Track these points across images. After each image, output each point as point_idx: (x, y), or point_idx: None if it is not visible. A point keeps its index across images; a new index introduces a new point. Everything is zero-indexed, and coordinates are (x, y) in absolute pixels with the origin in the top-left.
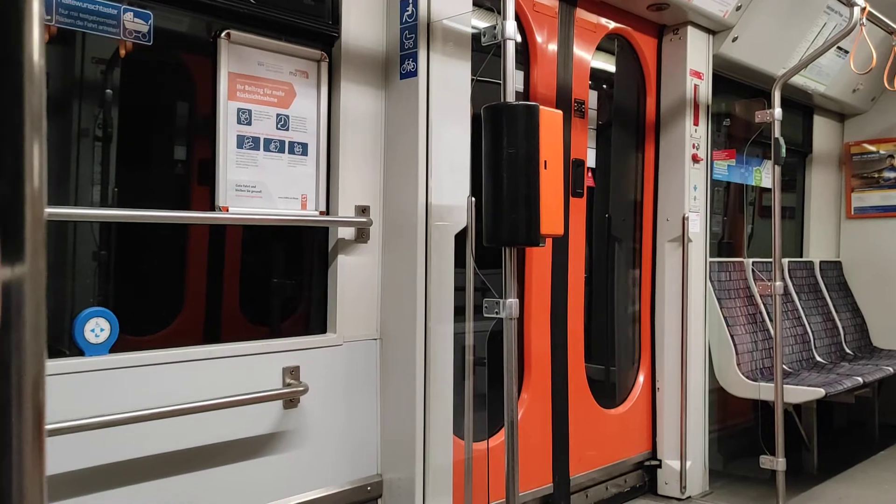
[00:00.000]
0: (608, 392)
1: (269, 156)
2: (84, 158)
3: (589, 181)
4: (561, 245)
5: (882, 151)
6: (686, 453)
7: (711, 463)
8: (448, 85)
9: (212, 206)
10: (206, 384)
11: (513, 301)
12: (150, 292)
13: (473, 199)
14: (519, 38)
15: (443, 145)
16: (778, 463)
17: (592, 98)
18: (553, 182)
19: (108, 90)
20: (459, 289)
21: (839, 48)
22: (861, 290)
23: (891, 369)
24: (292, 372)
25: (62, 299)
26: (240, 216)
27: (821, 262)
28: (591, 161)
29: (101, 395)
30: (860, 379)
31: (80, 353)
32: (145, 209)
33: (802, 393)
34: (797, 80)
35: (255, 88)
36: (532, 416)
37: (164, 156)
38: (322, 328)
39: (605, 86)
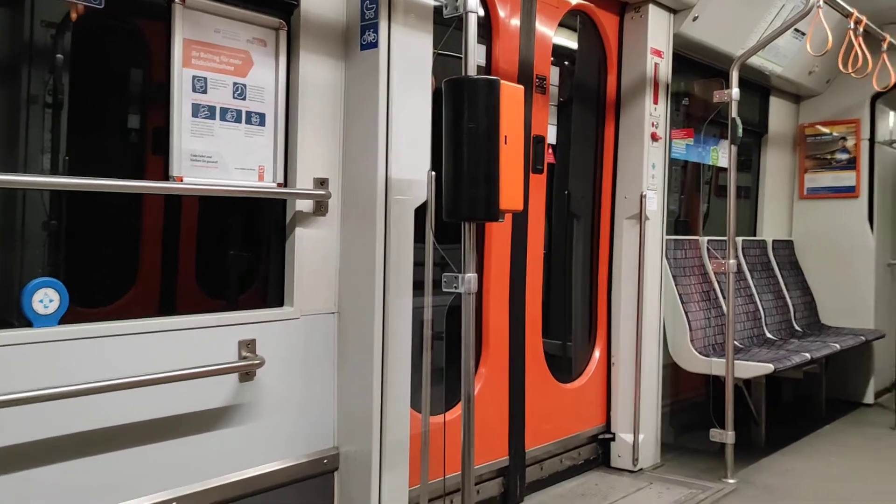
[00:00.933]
0: (564, 367)
1: (225, 125)
2: (33, 125)
3: (549, 158)
4: (520, 221)
5: (835, 133)
6: (639, 427)
7: (663, 436)
8: (409, 57)
9: (166, 176)
10: (160, 357)
11: (471, 276)
12: (102, 263)
13: (434, 173)
14: (481, 12)
15: (403, 119)
16: (727, 436)
17: (554, 74)
18: (513, 157)
19: (59, 55)
20: (418, 263)
21: (796, 30)
22: (811, 269)
23: (838, 346)
24: (248, 345)
25: (10, 269)
26: (195, 186)
27: (773, 241)
28: (551, 137)
29: (49, 367)
30: (808, 355)
31: (29, 325)
32: (97, 178)
33: (753, 368)
34: (755, 60)
35: (211, 56)
36: (489, 390)
37: (116, 123)
38: (279, 301)
39: (566, 62)
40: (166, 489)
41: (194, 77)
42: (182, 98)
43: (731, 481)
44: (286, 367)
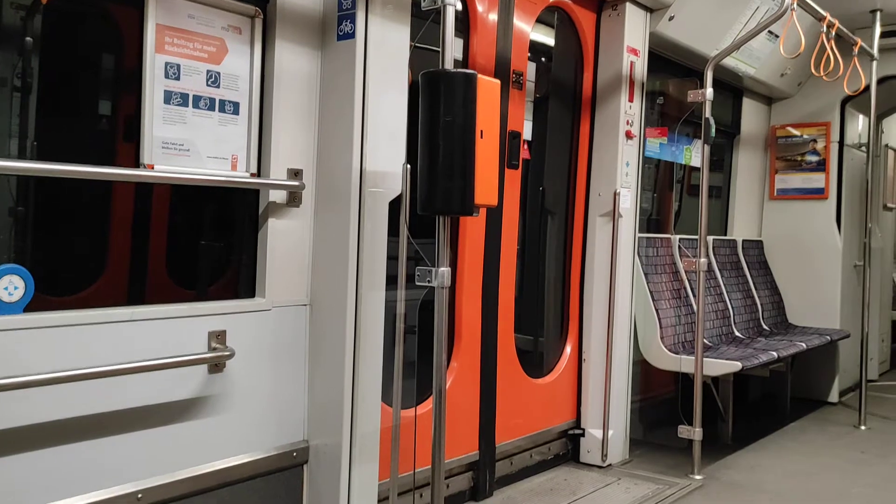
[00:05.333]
0: (536, 362)
1: (198, 113)
2: (0, 109)
3: (524, 153)
4: (495, 216)
5: (806, 135)
6: (608, 423)
7: (632, 432)
8: (386, 49)
9: (137, 164)
10: (128, 347)
11: (445, 270)
12: (69, 251)
13: (409, 166)
14: (459, 6)
15: (379, 111)
16: (695, 433)
17: (531, 70)
18: (489, 152)
19: (29, 38)
20: (392, 257)
21: (770, 32)
22: (780, 268)
23: (804, 345)
24: (218, 336)
25: None
26: (166, 174)
27: (743, 241)
28: (527, 133)
29: (13, 356)
30: (775, 354)
31: None
32: (66, 163)
33: (721, 366)
34: (729, 62)
35: (185, 42)
36: (461, 385)
37: (87, 109)
38: (251, 293)
39: (543, 58)
40: (132, 481)
41: (167, 63)
42: (154, 84)
43: (697, 477)
44: (256, 359)
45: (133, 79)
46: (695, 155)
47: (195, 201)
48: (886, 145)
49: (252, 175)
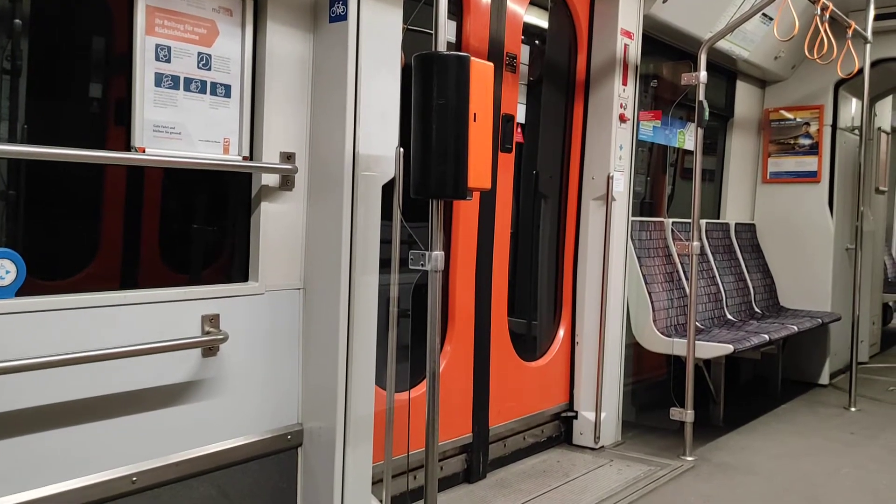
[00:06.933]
0: (529, 345)
1: (189, 96)
2: None
3: (518, 137)
4: (488, 200)
5: (799, 119)
6: (601, 405)
7: (624, 414)
8: (379, 31)
9: (128, 147)
10: (121, 331)
11: (438, 254)
12: (61, 235)
13: (402, 149)
14: None
15: (372, 93)
16: (687, 415)
17: (524, 53)
18: (482, 135)
19: (17, 20)
20: (386, 241)
21: (764, 15)
22: (772, 252)
23: (795, 328)
24: (212, 320)
25: None
26: (157, 158)
27: (736, 224)
28: (520, 116)
29: (5, 340)
30: (766, 336)
31: None
32: (57, 147)
33: (713, 349)
34: (723, 44)
35: (175, 24)
36: (454, 368)
37: (77, 92)
38: (244, 277)
39: (537, 41)
40: (126, 465)
41: (157, 45)
42: (145, 67)
43: (689, 459)
44: (250, 343)
45: (123, 61)
46: (688, 138)
47: (187, 185)
48: (879, 128)
49: (244, 158)
